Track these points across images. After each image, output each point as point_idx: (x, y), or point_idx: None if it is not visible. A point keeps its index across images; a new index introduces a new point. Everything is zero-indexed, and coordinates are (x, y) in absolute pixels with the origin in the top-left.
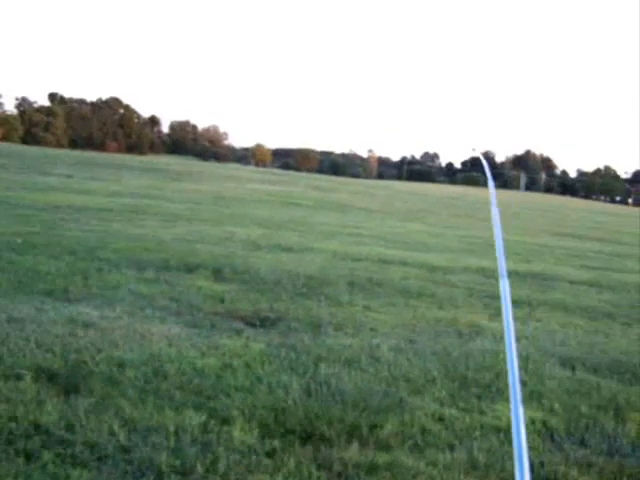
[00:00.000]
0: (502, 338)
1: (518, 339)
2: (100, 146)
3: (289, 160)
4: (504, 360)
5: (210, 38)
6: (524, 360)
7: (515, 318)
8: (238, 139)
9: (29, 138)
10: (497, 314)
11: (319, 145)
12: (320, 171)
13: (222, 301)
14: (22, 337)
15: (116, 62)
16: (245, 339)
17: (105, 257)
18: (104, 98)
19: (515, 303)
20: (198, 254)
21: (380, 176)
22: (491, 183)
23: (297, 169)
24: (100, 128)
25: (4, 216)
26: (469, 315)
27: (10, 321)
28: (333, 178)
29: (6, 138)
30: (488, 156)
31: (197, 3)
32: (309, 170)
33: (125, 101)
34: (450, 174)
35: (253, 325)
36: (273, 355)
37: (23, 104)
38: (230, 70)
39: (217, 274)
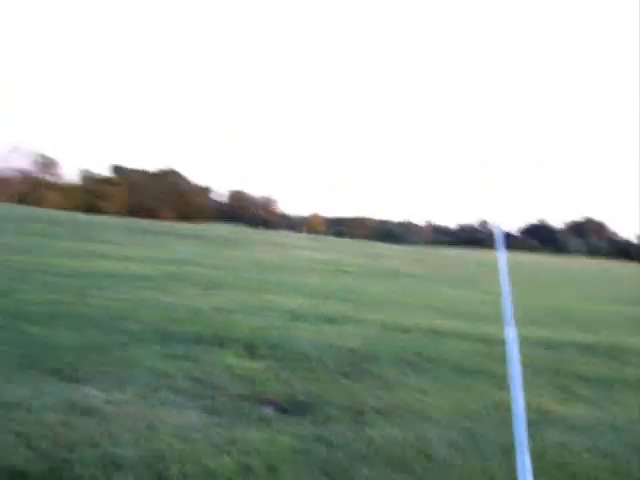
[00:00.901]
0: (578, 428)
1: (595, 427)
2: (156, 215)
3: (343, 228)
4: (585, 456)
5: (270, 113)
6: (613, 458)
7: (590, 400)
8: (293, 208)
9: (90, 207)
10: (569, 396)
11: (376, 214)
12: (374, 239)
13: (251, 382)
14: (4, 427)
15: (174, 134)
16: (271, 431)
17: (129, 329)
18: (163, 169)
19: (589, 381)
20: (233, 325)
21: (435, 243)
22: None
23: (351, 237)
24: (157, 197)
25: (34, 283)
26: (536, 398)
27: None
28: (385, 245)
29: (68, 207)
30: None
31: (257, 83)
32: (363, 238)
33: (182, 172)
34: (506, 241)
35: (284, 411)
36: (303, 452)
37: (86, 175)
38: (289, 140)
39: (250, 349)
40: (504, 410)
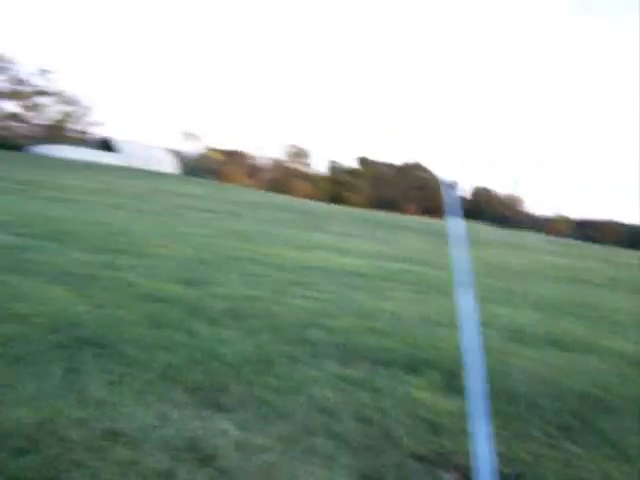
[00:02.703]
0: None
1: None
2: (399, 208)
3: (590, 232)
4: None
5: (533, 115)
6: None
7: None
8: (539, 208)
9: (335, 198)
10: None
11: (627, 218)
12: (624, 245)
13: (437, 431)
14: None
15: (421, 128)
16: None
17: (311, 339)
18: (409, 162)
19: None
20: (435, 343)
21: None
22: None
23: (600, 242)
24: (401, 190)
25: (233, 274)
26: None
27: (105, 435)
28: (637, 253)
29: (315, 197)
30: None
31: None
32: (612, 244)
33: (428, 166)
34: None
35: None
36: None
37: (334, 166)
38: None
39: (450, 379)
40: None
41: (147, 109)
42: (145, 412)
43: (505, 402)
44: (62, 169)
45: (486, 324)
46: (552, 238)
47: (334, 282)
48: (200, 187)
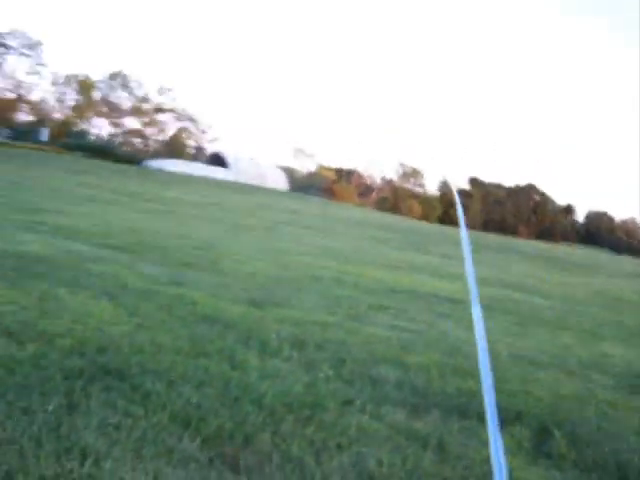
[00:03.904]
0: None
1: None
2: (512, 231)
3: None
4: None
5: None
6: None
7: None
8: None
9: (446, 219)
10: None
11: None
12: None
13: None
14: None
15: (536, 149)
16: None
17: (378, 378)
18: (521, 184)
19: None
20: (526, 388)
21: None
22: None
23: None
24: (513, 213)
25: (317, 295)
26: None
27: None
28: None
29: (425, 217)
30: None
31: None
32: None
33: (541, 188)
34: None
35: None
36: None
37: (444, 187)
38: None
39: (541, 437)
40: None
41: (261, 126)
42: (136, 472)
43: (613, 477)
44: (173, 183)
45: (595, 368)
46: None
47: (423, 309)
48: (305, 204)
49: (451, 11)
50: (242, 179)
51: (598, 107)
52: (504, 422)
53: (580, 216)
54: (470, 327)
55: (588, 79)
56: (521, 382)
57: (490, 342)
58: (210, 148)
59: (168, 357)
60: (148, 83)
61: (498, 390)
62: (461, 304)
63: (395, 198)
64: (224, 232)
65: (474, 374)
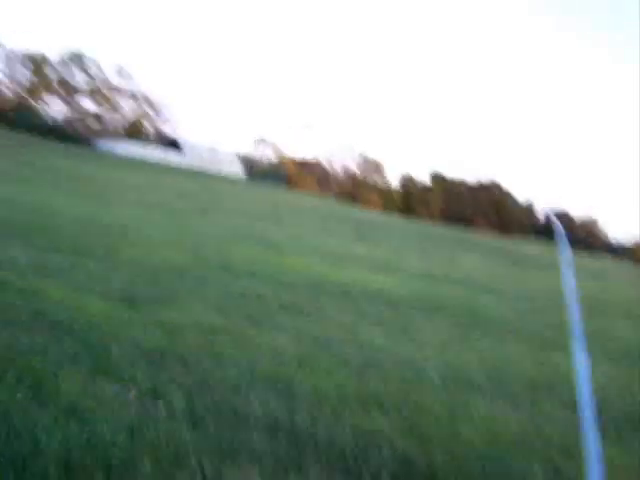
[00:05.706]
0: None
1: None
2: (470, 225)
3: None
4: None
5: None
6: None
7: None
8: (619, 233)
9: (405, 211)
10: None
11: None
12: None
13: None
14: None
15: (499, 146)
16: None
17: (243, 413)
18: (483, 180)
19: None
20: (460, 433)
21: None
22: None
23: None
24: (473, 207)
25: (222, 293)
26: None
27: None
28: None
29: (385, 209)
30: None
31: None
32: None
33: (504, 185)
34: None
35: None
36: None
37: (406, 180)
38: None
39: None
40: None
41: (223, 114)
42: None
43: None
44: (120, 166)
45: (545, 389)
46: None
47: (345, 309)
48: (256, 192)
49: (420, 6)
50: (197, 165)
51: (571, 106)
52: None
53: (541, 214)
54: (402, 332)
55: (558, 75)
56: (449, 420)
57: (420, 360)
58: (169, 133)
59: None
60: (106, 64)
61: (409, 433)
62: (394, 305)
63: (355, 189)
64: (148, 216)
65: (387, 405)
